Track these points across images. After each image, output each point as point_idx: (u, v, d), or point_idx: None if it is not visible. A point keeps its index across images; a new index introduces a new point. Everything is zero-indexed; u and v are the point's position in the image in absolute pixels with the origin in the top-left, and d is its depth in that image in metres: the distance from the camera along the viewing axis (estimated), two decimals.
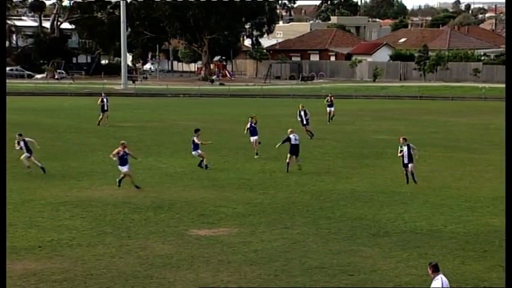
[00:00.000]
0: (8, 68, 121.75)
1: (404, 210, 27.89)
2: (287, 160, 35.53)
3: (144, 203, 29.01)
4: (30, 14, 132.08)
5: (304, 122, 47.54)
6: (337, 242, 23.80)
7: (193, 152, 36.92)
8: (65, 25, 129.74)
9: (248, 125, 40.48)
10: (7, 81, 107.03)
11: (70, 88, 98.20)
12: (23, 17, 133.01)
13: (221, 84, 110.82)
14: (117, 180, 31.51)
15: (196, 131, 36.97)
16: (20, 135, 34.61)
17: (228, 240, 24.03)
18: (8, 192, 30.80)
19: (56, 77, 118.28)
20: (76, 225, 25.68)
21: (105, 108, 55.19)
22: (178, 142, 46.42)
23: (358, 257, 22.17)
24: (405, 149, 30.88)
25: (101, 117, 54.89)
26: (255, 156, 39.29)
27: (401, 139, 31.84)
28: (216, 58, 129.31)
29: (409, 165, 31.38)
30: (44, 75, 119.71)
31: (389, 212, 27.77)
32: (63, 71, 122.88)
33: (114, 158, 31.26)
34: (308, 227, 25.68)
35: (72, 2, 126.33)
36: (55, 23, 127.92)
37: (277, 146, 36.84)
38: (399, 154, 31.82)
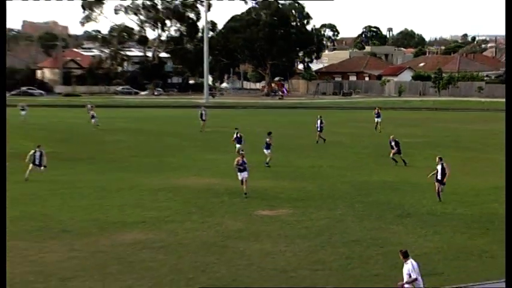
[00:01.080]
0: (120, 87, 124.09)
1: (423, 197, 27.63)
2: None
3: (221, 189, 29.19)
4: (137, 46, 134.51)
5: (319, 129, 47.22)
6: (370, 221, 23.69)
7: (265, 150, 36.14)
8: (163, 54, 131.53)
9: (234, 136, 39.16)
10: (120, 97, 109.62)
11: (166, 101, 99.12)
12: (132, 49, 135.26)
13: (280, 98, 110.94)
14: (240, 180, 27.87)
15: (269, 133, 37.13)
16: (38, 146, 30.37)
17: (285, 219, 24.08)
18: (119, 180, 31.38)
19: (155, 93, 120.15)
20: (170, 206, 25.96)
21: (203, 118, 55.47)
22: (248, 143, 46.54)
23: (387, 233, 22.05)
24: (439, 167, 27.52)
25: (202, 124, 55.09)
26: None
27: (437, 158, 27.42)
28: (276, 78, 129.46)
29: (441, 186, 26.67)
30: (147, 92, 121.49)
31: (411, 198, 27.55)
32: (160, 89, 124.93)
33: (236, 167, 27.86)
34: (347, 209, 25.60)
35: (167, 36, 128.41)
36: (155, 52, 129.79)
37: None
38: (431, 174, 27.26)
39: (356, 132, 54.44)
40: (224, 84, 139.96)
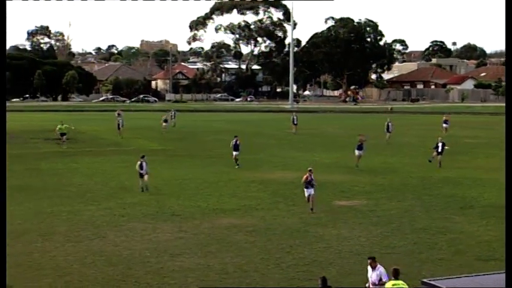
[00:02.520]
0: (219, 95, 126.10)
1: (483, 191, 26.79)
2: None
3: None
4: (233, 60, 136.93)
5: (389, 130, 46.09)
6: (435, 211, 23.12)
7: (356, 151, 33.68)
8: (255, 66, 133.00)
9: (233, 143, 34.58)
10: (218, 103, 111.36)
11: (257, 107, 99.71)
12: (229, 62, 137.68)
13: (355, 104, 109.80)
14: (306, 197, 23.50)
15: (360, 135, 35.77)
16: (142, 157, 27.41)
17: (359, 208, 23.81)
18: (217, 174, 31.80)
19: (248, 100, 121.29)
20: (260, 196, 26.12)
21: (295, 122, 55.09)
22: (328, 143, 46.34)
23: (450, 223, 21.46)
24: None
25: (294, 128, 54.53)
26: (236, 167, 33.42)
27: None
28: (352, 87, 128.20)
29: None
30: (241, 99, 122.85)
31: (473, 192, 26.74)
32: (252, 96, 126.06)
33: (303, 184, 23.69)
34: (415, 201, 25.08)
35: (259, 51, 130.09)
36: (248, 65, 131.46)
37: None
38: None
39: (423, 134, 53.18)
40: (307, 92, 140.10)
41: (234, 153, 34.10)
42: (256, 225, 20.96)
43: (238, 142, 34.38)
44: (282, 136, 52.27)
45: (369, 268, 12.82)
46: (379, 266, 12.70)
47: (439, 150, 34.17)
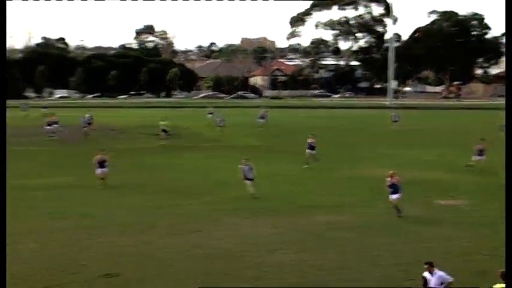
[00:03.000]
0: (316, 91, 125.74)
1: None
2: None
3: (404, 180, 28.48)
4: (332, 56, 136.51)
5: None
6: None
7: (478, 157, 31.05)
8: (353, 62, 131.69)
9: (309, 141, 33.28)
10: (316, 99, 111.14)
11: (355, 103, 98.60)
12: (327, 58, 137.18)
13: (458, 100, 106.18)
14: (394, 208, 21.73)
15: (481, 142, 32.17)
16: (246, 159, 25.60)
17: (461, 208, 23.05)
18: (314, 170, 31.69)
19: (346, 96, 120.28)
20: (357, 193, 25.82)
21: (395, 119, 54.18)
22: (428, 140, 45.09)
23: None
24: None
25: (394, 125, 53.58)
26: (304, 166, 32.37)
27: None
28: (455, 82, 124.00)
29: None
30: (339, 95, 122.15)
31: None
32: (350, 92, 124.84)
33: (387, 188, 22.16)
34: None
35: (358, 47, 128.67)
36: (347, 61, 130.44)
37: None
38: None
39: None
40: (407, 88, 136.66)
41: (309, 151, 33.13)
42: (353, 222, 20.73)
43: (313, 141, 33.33)
44: (380, 132, 51.40)
45: (427, 274, 12.62)
46: (436, 270, 12.59)
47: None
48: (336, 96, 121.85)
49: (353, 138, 47.28)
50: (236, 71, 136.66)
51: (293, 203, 23.79)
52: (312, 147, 33.20)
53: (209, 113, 59.33)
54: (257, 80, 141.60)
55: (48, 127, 46.28)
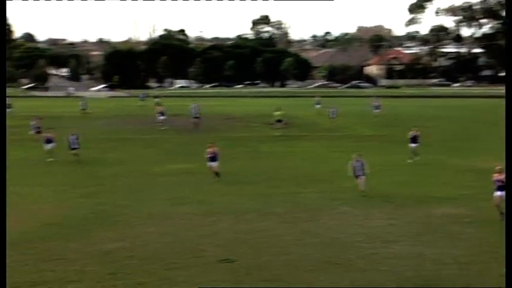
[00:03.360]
0: (435, 80, 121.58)
1: None
2: None
3: None
4: (452, 44, 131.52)
5: None
6: None
7: None
8: (476, 50, 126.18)
9: (411, 134, 31.11)
10: (434, 88, 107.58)
11: (477, 92, 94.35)
12: (447, 46, 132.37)
13: None
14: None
15: None
16: (358, 154, 23.65)
17: None
18: (430, 161, 30.66)
19: (467, 85, 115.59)
20: (475, 185, 24.65)
21: None
22: None
23: None
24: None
25: None
26: (408, 161, 30.38)
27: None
28: None
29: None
30: (459, 84, 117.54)
31: None
32: (472, 81, 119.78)
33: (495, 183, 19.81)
34: None
35: (482, 34, 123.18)
36: (468, 49, 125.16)
37: None
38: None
39: None
40: None
41: (412, 145, 30.87)
42: (474, 216, 19.84)
43: (416, 134, 30.99)
44: (503, 124, 48.86)
45: None
46: None
47: None
48: (456, 85, 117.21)
49: (471, 129, 45.33)
50: (351, 60, 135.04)
51: (410, 194, 23.16)
52: (414, 140, 30.78)
53: (317, 104, 58.82)
54: (372, 69, 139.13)
55: (161, 117, 46.47)
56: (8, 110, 47.70)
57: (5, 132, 12.79)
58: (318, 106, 57.94)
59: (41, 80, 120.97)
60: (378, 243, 17.14)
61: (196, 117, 45.87)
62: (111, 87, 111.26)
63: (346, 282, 14.24)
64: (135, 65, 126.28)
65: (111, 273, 14.89)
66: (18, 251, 16.33)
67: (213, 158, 25.84)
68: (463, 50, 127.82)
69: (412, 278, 14.42)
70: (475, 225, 18.85)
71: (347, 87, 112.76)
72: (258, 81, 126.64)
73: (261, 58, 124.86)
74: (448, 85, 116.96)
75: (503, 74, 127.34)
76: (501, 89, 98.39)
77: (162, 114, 46.68)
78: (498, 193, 19.05)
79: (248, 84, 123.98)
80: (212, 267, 15.08)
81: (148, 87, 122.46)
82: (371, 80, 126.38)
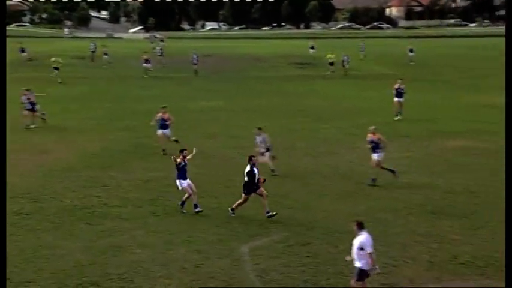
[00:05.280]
0: (453, 20, 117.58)
1: None
2: None
3: None
4: None
5: None
6: None
7: None
8: None
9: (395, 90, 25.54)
10: (451, 29, 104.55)
11: (493, 31, 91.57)
12: None
13: None
14: None
15: None
16: (259, 128, 17.93)
17: None
18: (449, 98, 30.22)
19: (483, 25, 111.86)
20: (489, 120, 24.33)
21: None
22: None
23: None
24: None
25: None
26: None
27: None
28: None
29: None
30: (476, 24, 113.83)
31: None
32: (488, 21, 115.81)
33: None
34: None
35: None
36: None
37: None
38: None
39: None
40: None
41: (396, 100, 25.42)
42: (486, 148, 19.76)
43: (401, 87, 25.30)
44: None
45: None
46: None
47: None
48: (473, 25, 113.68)
49: (486, 67, 44.31)
50: (372, 3, 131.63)
51: (426, 129, 23.06)
52: (399, 94, 25.41)
53: (311, 47, 52.56)
54: (392, 11, 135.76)
55: (145, 64, 41.02)
56: (23, 54, 45.52)
57: (5, 131, 12.64)
58: (312, 51, 51.94)
59: (83, 22, 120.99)
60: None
61: (195, 64, 42.23)
62: (147, 29, 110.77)
63: (362, 207, 14.45)
64: (169, 8, 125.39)
65: (151, 199, 15.30)
66: (65, 178, 16.81)
67: (164, 126, 19.97)
68: None
69: (424, 205, 14.55)
70: (486, 156, 18.78)
71: (368, 29, 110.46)
72: (284, 24, 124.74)
73: (287, 1, 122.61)
74: (466, 25, 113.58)
75: None
76: None
77: (147, 61, 41.26)
78: (374, 155, 16.44)
79: (274, 26, 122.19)
80: (239, 196, 15.37)
81: (182, 29, 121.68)
82: (391, 22, 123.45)
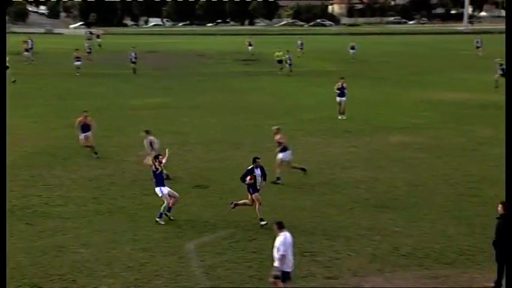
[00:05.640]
0: (392, 18, 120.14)
1: None
2: None
3: (473, 103, 27.44)
4: None
5: None
6: None
7: None
8: None
9: (338, 85, 24.76)
10: (391, 26, 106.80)
11: (429, 29, 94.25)
12: None
13: None
14: None
15: None
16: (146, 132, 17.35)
17: None
18: (385, 94, 30.91)
19: (421, 22, 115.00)
20: (429, 115, 25.15)
21: (478, 45, 49.09)
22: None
23: None
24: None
25: (479, 51, 48.53)
26: (339, 117, 24.45)
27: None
28: None
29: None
30: (414, 21, 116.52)
31: None
32: (425, 19, 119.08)
33: None
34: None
35: None
36: None
37: None
38: None
39: None
40: (482, 13, 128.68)
41: (339, 99, 24.75)
42: (425, 143, 20.29)
43: (344, 85, 24.79)
44: (453, 58, 49.17)
45: None
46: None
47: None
48: (411, 22, 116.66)
49: (425, 64, 45.54)
50: (315, 0, 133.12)
51: (367, 124, 23.47)
52: (342, 93, 24.68)
53: (249, 44, 51.51)
54: (335, 8, 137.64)
55: (76, 62, 39.35)
56: None
57: (5, 131, 12.19)
58: (250, 48, 51.11)
59: (20, 17, 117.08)
60: (337, 169, 17.47)
61: (133, 62, 40.26)
62: (88, 25, 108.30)
63: (308, 202, 14.58)
64: (111, 4, 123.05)
65: (95, 197, 14.99)
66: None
67: (85, 128, 18.89)
68: None
69: (367, 199, 14.82)
70: (425, 151, 19.28)
71: (311, 26, 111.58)
72: (228, 20, 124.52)
73: None
74: (405, 22, 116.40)
75: (455, 11, 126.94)
76: (453, 26, 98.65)
77: (78, 59, 39.44)
78: (280, 155, 16.22)
79: (219, 22, 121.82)
80: (187, 192, 15.25)
81: (125, 25, 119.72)
82: (334, 19, 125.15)
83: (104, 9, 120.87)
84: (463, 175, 16.63)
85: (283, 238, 9.34)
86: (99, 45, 56.82)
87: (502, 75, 30.26)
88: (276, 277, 9.35)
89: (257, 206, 13.05)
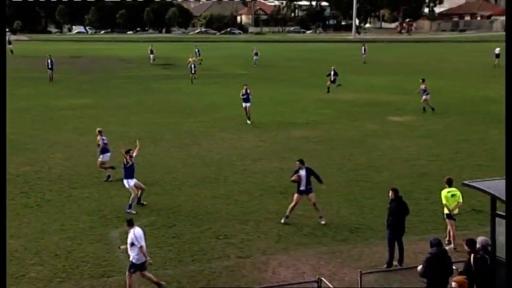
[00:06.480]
0: (292, 28, 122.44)
1: None
2: None
3: (363, 102, 28.51)
4: None
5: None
6: (475, 125, 22.16)
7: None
8: (323, 3, 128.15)
9: (243, 92, 23.42)
10: (292, 35, 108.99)
11: (325, 38, 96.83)
12: (300, 0, 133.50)
13: (409, 35, 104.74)
14: None
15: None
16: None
17: (409, 123, 23.16)
18: (290, 94, 31.44)
19: (317, 32, 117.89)
20: (326, 113, 25.79)
21: (363, 53, 51.32)
22: (384, 69, 44.39)
23: (489, 134, 20.45)
24: None
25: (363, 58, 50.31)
26: (248, 122, 23.17)
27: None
28: (407, 20, 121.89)
29: None
30: (311, 31, 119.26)
31: None
32: (321, 29, 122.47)
33: None
34: (458, 117, 24.13)
35: None
36: (318, 2, 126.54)
37: None
38: None
39: (469, 60, 50.35)
40: (367, 25, 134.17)
41: (245, 104, 23.35)
42: (323, 137, 20.82)
43: (248, 91, 23.34)
44: (345, 62, 50.81)
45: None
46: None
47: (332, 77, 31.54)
48: (309, 32, 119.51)
49: (322, 68, 46.67)
50: (225, 11, 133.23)
51: (274, 121, 23.75)
52: (247, 99, 23.21)
53: (150, 52, 49.45)
54: (243, 18, 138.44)
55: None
56: None
57: (5, 129, 11.26)
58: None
59: None
60: (248, 161, 17.57)
61: (50, 69, 37.06)
62: (12, 32, 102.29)
63: (222, 191, 14.57)
64: (35, 11, 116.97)
65: (23, 192, 14.21)
66: None
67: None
68: (314, 3, 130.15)
69: (274, 187, 15.01)
70: (323, 143, 19.79)
71: (222, 34, 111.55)
72: (147, 28, 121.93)
73: (149, 8, 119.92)
74: (303, 32, 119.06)
75: (345, 23, 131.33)
76: (343, 35, 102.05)
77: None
78: (101, 156, 15.37)
79: (138, 30, 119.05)
80: (112, 184, 14.79)
81: (49, 32, 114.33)
82: (242, 28, 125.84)
83: (28, 16, 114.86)
84: (354, 163, 17.22)
85: (134, 232, 9.02)
86: (11, 52, 53.58)
87: (332, 81, 31.52)
88: (136, 270, 9.05)
89: (292, 205, 12.19)
